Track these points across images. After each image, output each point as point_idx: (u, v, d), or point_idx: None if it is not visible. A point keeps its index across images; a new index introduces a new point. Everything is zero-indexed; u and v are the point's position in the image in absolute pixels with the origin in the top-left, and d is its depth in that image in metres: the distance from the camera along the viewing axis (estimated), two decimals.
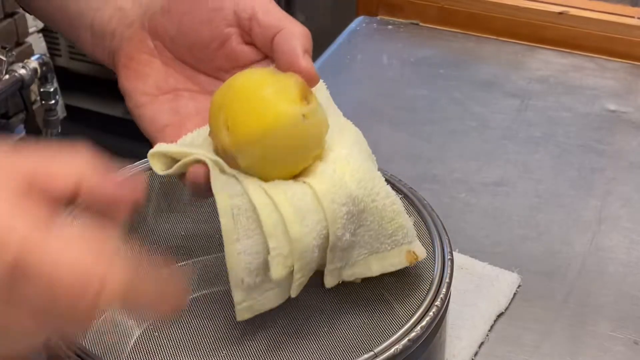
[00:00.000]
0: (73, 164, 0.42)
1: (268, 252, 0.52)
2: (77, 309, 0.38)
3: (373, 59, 1.12)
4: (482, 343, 0.69)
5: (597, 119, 0.99)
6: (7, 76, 1.59)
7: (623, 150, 0.94)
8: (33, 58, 1.67)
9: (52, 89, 1.74)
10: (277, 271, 0.52)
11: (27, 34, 1.82)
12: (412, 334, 0.53)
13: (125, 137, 1.30)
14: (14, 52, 1.63)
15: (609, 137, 0.96)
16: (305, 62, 0.54)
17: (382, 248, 0.57)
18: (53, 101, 1.75)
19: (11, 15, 1.76)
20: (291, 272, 0.53)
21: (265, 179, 0.54)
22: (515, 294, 0.74)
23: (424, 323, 0.54)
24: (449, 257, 0.59)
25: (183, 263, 0.66)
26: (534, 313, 0.73)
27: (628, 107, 1.01)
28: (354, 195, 0.53)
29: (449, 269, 0.58)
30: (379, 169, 0.58)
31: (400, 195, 0.61)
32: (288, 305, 0.56)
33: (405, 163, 0.91)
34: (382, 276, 0.58)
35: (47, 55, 1.82)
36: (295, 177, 0.54)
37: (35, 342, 0.41)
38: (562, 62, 1.10)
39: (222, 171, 0.53)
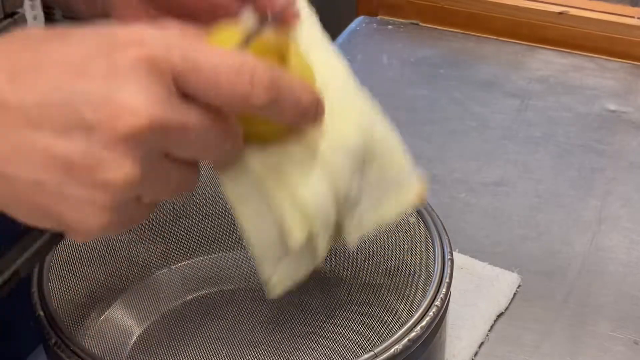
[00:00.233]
0: None
1: (284, 222, 0.50)
2: (235, 98, 0.41)
3: (373, 59, 1.12)
4: (482, 343, 0.69)
5: (597, 119, 0.99)
6: None
7: (623, 150, 0.94)
8: None
9: None
10: (296, 238, 0.50)
11: None
12: (412, 334, 0.53)
13: None
14: None
15: (609, 137, 0.96)
16: None
17: (392, 188, 0.55)
18: None
19: (11, 15, 1.76)
20: (311, 238, 0.51)
21: (263, 139, 0.52)
22: (515, 294, 0.74)
23: (424, 323, 0.54)
24: (449, 257, 0.59)
25: (182, 263, 0.66)
26: (534, 313, 0.73)
27: (628, 107, 1.01)
28: (356, 142, 0.53)
29: (449, 269, 0.58)
30: None
31: None
32: (288, 305, 0.56)
33: None
34: (382, 276, 0.58)
35: None
36: (293, 134, 0.52)
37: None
38: (562, 62, 1.10)
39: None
